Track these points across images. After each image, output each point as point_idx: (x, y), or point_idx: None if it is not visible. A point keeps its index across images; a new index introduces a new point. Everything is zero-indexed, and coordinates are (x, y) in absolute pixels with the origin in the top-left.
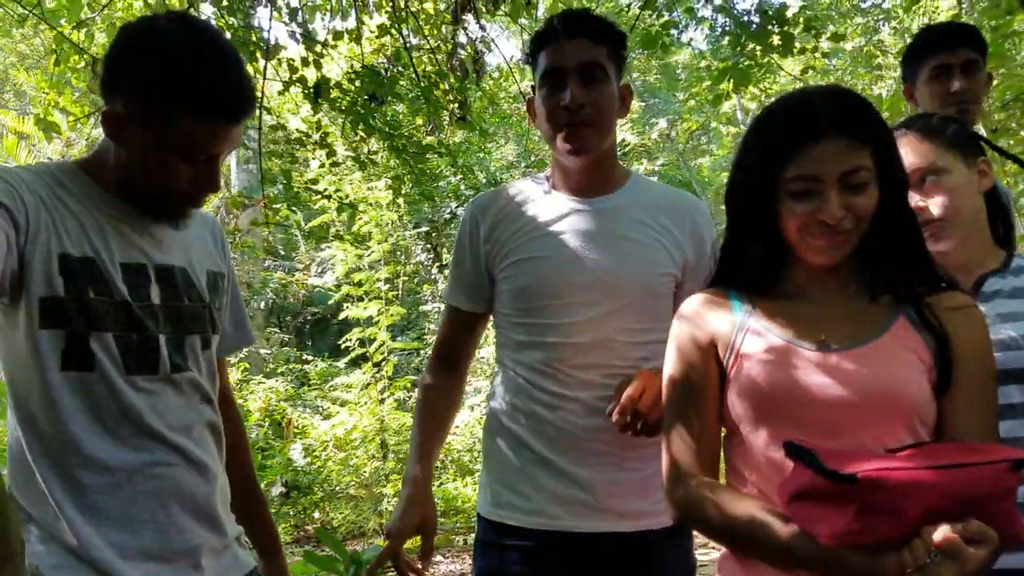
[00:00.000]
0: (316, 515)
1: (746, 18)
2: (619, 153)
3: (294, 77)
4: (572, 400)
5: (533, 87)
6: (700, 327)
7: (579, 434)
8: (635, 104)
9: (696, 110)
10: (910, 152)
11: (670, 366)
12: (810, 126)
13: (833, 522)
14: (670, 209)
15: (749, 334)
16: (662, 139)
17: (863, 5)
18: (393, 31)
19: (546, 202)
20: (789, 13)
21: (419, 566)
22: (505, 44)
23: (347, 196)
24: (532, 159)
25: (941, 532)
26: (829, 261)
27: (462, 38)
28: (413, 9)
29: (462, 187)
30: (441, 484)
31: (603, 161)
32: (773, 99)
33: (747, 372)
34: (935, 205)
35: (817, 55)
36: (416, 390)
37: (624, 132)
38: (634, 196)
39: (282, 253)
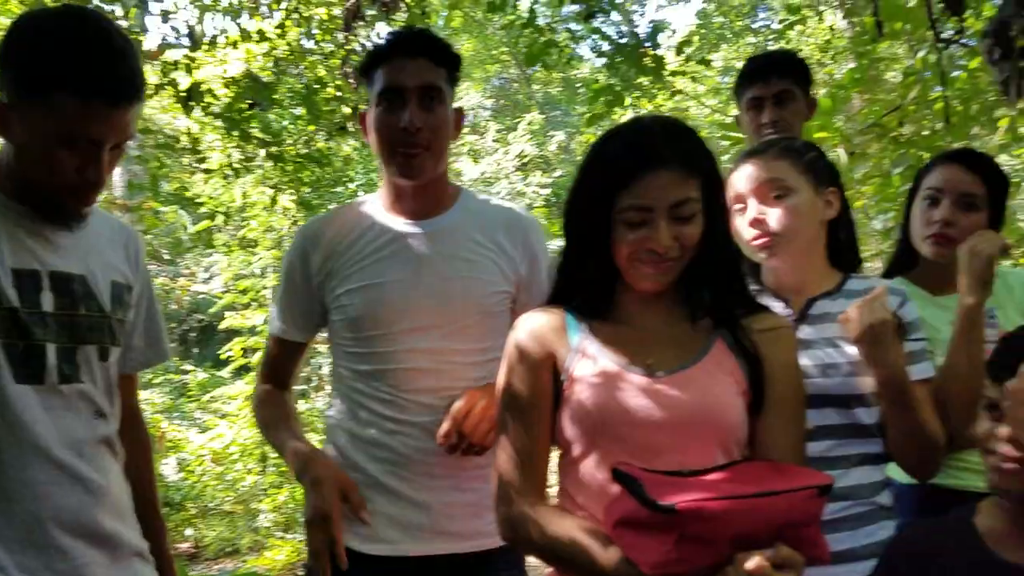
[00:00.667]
0: (188, 532)
1: (624, 40)
2: (519, 165)
3: (164, 80)
4: (410, 424)
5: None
6: (537, 345)
7: (418, 458)
8: (536, 116)
9: (594, 123)
10: (765, 167)
11: (503, 383)
12: (647, 156)
13: (654, 550)
14: (502, 226)
15: (583, 357)
16: (560, 151)
17: (753, 25)
18: (276, 35)
19: (378, 226)
20: (679, 34)
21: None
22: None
23: (229, 202)
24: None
25: (753, 560)
26: (655, 287)
27: (357, 46)
28: (306, 14)
29: (361, 194)
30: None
31: (436, 182)
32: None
33: (579, 395)
34: (775, 219)
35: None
36: (253, 406)
37: (523, 144)
38: (465, 215)
39: (167, 258)
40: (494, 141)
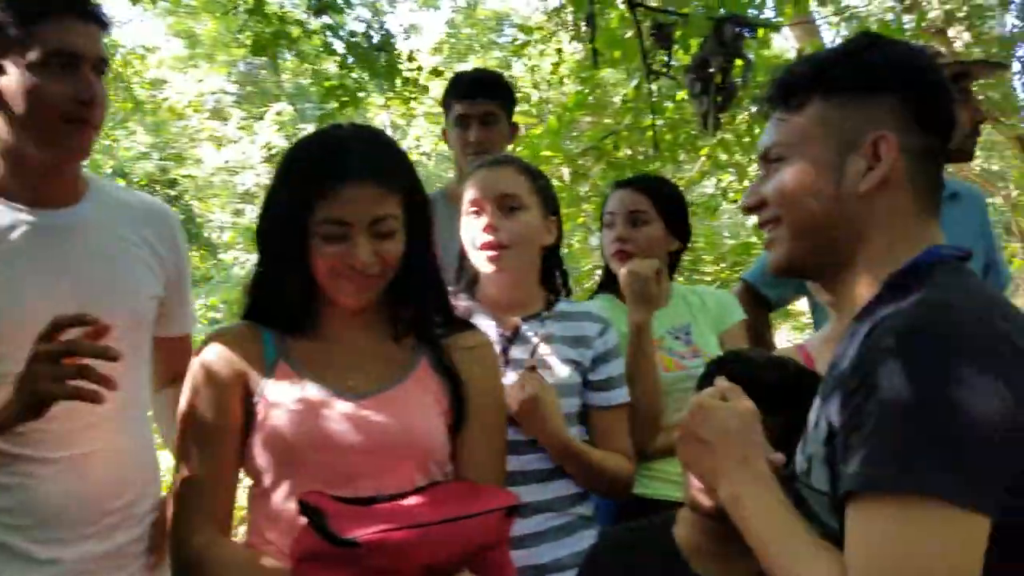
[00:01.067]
0: None
1: (355, 39)
2: (266, 156)
3: None
4: (45, 463)
5: None
6: (226, 366)
7: (55, 503)
8: (285, 108)
9: (326, 123)
10: (506, 180)
11: (185, 406)
12: (341, 169)
13: None
14: (149, 218)
15: (279, 378)
16: None
17: (498, 40)
18: None
19: None
20: (426, 43)
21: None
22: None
23: None
24: (168, 151)
25: None
26: (357, 304)
27: None
28: None
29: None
30: None
31: (73, 164)
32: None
33: (272, 420)
34: (508, 230)
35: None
36: None
37: (270, 134)
38: (101, 207)
39: None
40: (239, 129)
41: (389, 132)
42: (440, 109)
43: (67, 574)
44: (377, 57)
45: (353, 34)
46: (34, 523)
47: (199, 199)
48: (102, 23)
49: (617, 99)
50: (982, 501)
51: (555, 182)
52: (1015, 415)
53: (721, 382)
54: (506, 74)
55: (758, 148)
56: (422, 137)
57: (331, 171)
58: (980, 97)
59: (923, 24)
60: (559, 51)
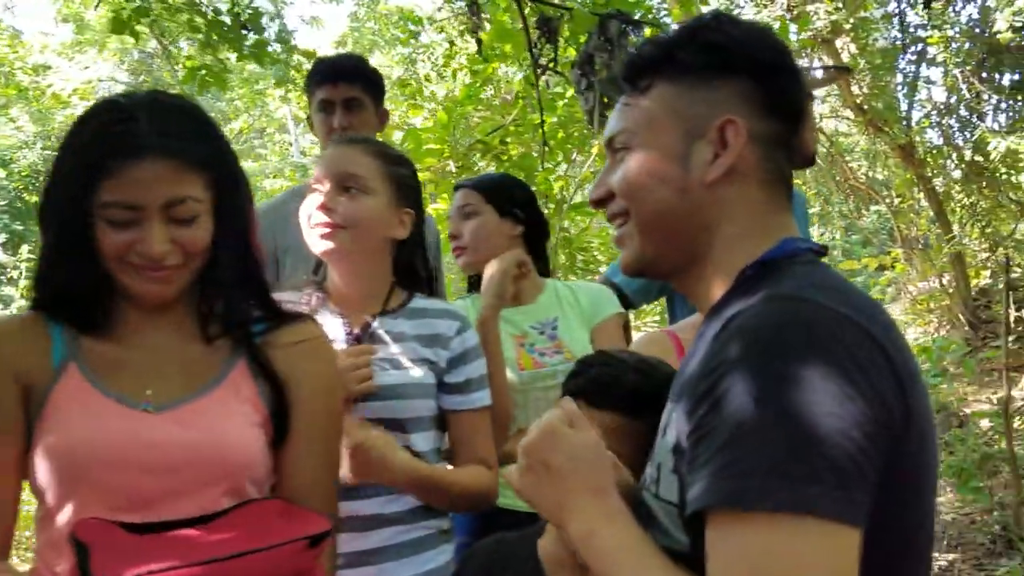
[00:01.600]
0: None
1: (222, 17)
2: None
3: None
4: None
5: None
6: (7, 364)
7: None
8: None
9: (245, 111)
10: (351, 159)
11: None
12: (128, 143)
13: None
14: None
15: (67, 383)
16: None
17: (400, 36)
18: None
19: None
20: (329, 37)
21: None
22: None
23: None
24: (52, 139)
25: None
26: (155, 299)
27: None
28: None
29: None
30: None
31: None
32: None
33: (57, 431)
34: (343, 210)
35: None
36: None
37: None
38: None
39: None
40: None
41: (291, 126)
42: None
43: None
44: (245, 37)
45: (217, 12)
46: None
47: None
48: None
49: (510, 96)
50: (853, 512)
51: (445, 176)
52: (875, 414)
53: (569, 405)
54: (409, 70)
55: (603, 135)
56: None
57: (116, 145)
58: (864, 107)
59: (809, 32)
60: (452, 43)
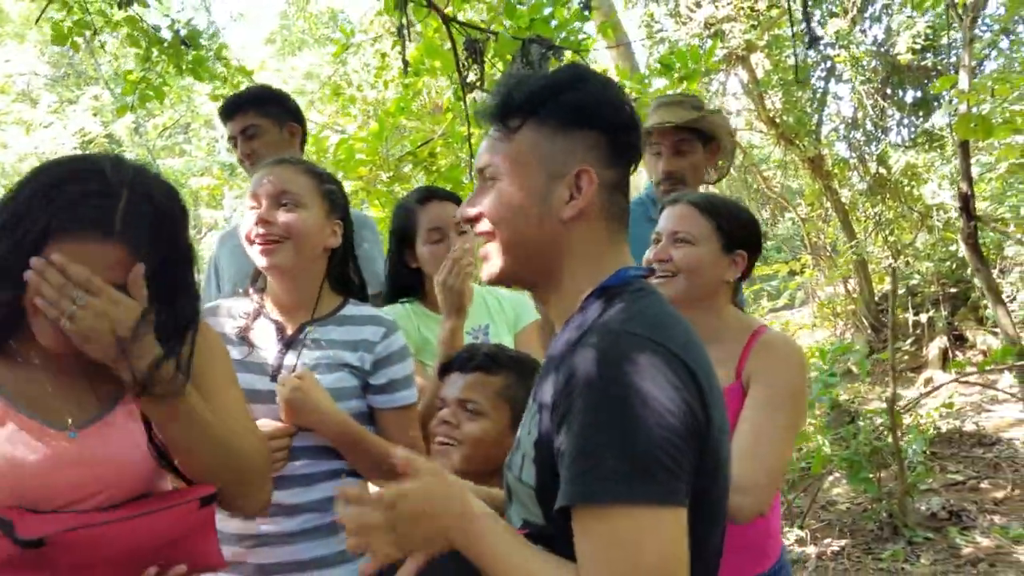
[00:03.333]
0: None
1: (161, 33)
2: (81, 143)
3: None
4: None
5: None
6: None
7: None
8: (102, 93)
9: (170, 106)
10: (286, 178)
11: None
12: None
13: None
14: None
15: None
16: (130, 133)
17: (332, 36)
18: None
19: None
20: (259, 35)
21: None
22: None
23: None
24: None
25: None
26: (53, 346)
27: None
28: None
29: None
30: None
31: None
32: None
33: None
34: (281, 223)
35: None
36: None
37: (88, 120)
38: None
39: None
40: (51, 113)
41: (217, 121)
42: None
43: None
44: (185, 53)
45: (157, 28)
46: None
47: (5, 185)
48: None
49: (440, 105)
50: (678, 496)
51: (378, 186)
52: (685, 421)
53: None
54: (340, 71)
55: (475, 163)
56: None
57: (90, 219)
58: (777, 120)
59: (724, 51)
60: (383, 55)
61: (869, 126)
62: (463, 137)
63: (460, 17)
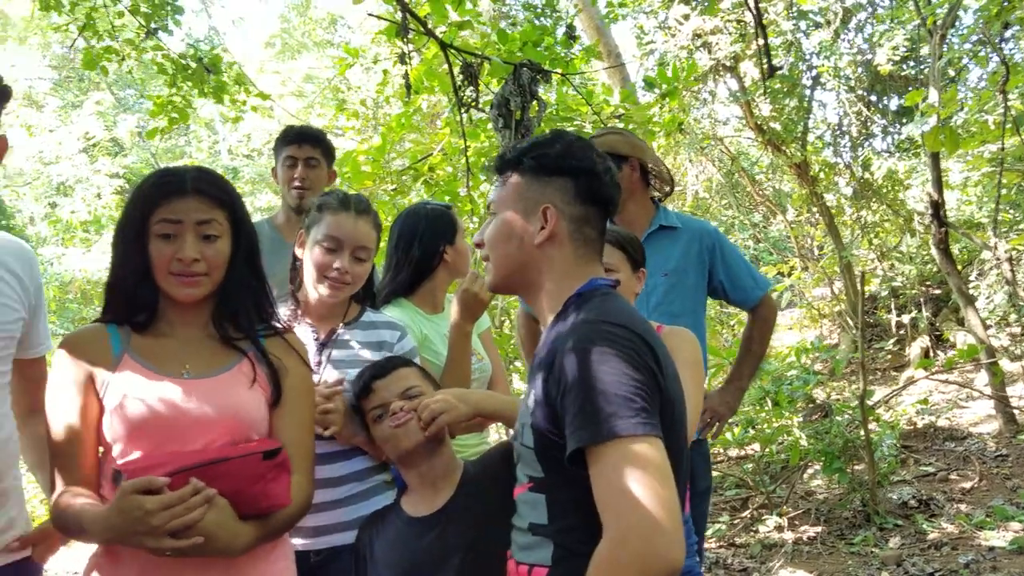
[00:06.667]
0: None
1: (185, 61)
2: (85, 147)
3: None
4: None
5: None
6: (75, 366)
7: None
8: (106, 97)
9: (153, 137)
10: (363, 232)
11: (49, 403)
12: (174, 188)
13: None
14: (14, 257)
15: (124, 367)
16: (133, 136)
17: (333, 40)
18: None
19: None
20: (258, 37)
21: None
22: None
23: None
24: None
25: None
26: (188, 298)
27: None
28: None
29: None
30: None
31: None
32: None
33: (120, 401)
34: (354, 276)
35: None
36: None
37: (89, 124)
38: None
39: None
40: (54, 117)
41: (218, 125)
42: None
43: None
44: (207, 78)
45: (183, 56)
46: None
47: (8, 187)
48: None
49: (439, 121)
50: (656, 428)
51: (380, 194)
52: (648, 378)
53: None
54: (338, 78)
55: (487, 201)
56: (251, 134)
57: (167, 189)
58: (764, 128)
59: (712, 60)
60: (385, 72)
61: (855, 132)
62: (459, 150)
63: (456, 43)
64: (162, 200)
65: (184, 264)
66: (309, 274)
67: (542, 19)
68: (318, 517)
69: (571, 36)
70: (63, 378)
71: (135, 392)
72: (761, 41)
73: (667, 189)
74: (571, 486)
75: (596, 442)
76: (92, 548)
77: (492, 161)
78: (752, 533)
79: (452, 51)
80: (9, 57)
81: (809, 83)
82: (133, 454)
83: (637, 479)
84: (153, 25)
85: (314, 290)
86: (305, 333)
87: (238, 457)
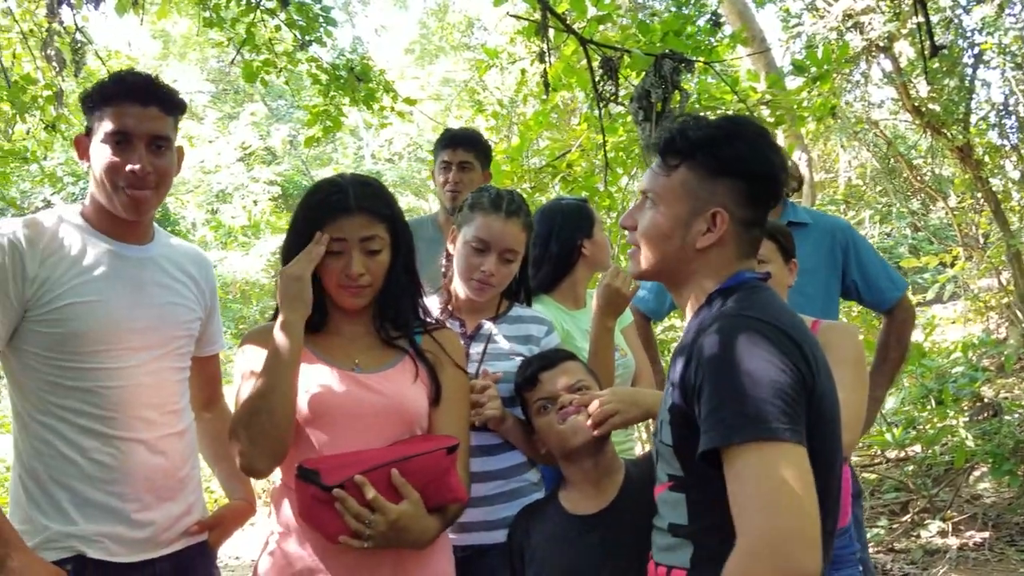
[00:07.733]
0: None
1: (339, 73)
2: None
3: None
4: (133, 441)
5: (88, 128)
6: (261, 355)
7: (141, 474)
8: (259, 108)
9: (311, 145)
10: (512, 235)
11: (241, 387)
12: (340, 206)
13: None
14: (193, 262)
15: (304, 360)
16: (285, 145)
17: (470, 43)
18: None
19: (90, 243)
20: (398, 43)
21: None
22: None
23: None
24: None
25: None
26: (354, 306)
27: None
28: None
29: (60, 171)
30: None
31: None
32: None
33: (307, 387)
34: (500, 276)
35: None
36: None
37: (245, 134)
38: (164, 248)
39: None
40: (213, 128)
41: (362, 131)
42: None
43: (158, 531)
44: (358, 87)
45: (336, 66)
46: (131, 491)
47: (173, 195)
48: (166, 106)
49: (575, 121)
50: (797, 435)
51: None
52: (796, 378)
53: None
54: (475, 79)
55: (639, 185)
56: (393, 139)
57: (334, 207)
58: (922, 110)
59: (865, 42)
60: (523, 72)
61: (1022, 112)
62: (597, 145)
63: (595, 37)
64: (328, 219)
65: (351, 279)
66: (458, 271)
67: (684, 8)
68: (465, 512)
69: (716, 23)
70: (253, 365)
71: (317, 379)
72: (921, 18)
73: (793, 184)
74: (710, 484)
75: (730, 443)
76: (257, 536)
77: (655, 139)
78: (913, 538)
79: (592, 46)
80: (171, 72)
81: (971, 61)
82: (320, 440)
83: (773, 486)
84: (308, 37)
85: (461, 288)
86: (453, 327)
87: (427, 452)
